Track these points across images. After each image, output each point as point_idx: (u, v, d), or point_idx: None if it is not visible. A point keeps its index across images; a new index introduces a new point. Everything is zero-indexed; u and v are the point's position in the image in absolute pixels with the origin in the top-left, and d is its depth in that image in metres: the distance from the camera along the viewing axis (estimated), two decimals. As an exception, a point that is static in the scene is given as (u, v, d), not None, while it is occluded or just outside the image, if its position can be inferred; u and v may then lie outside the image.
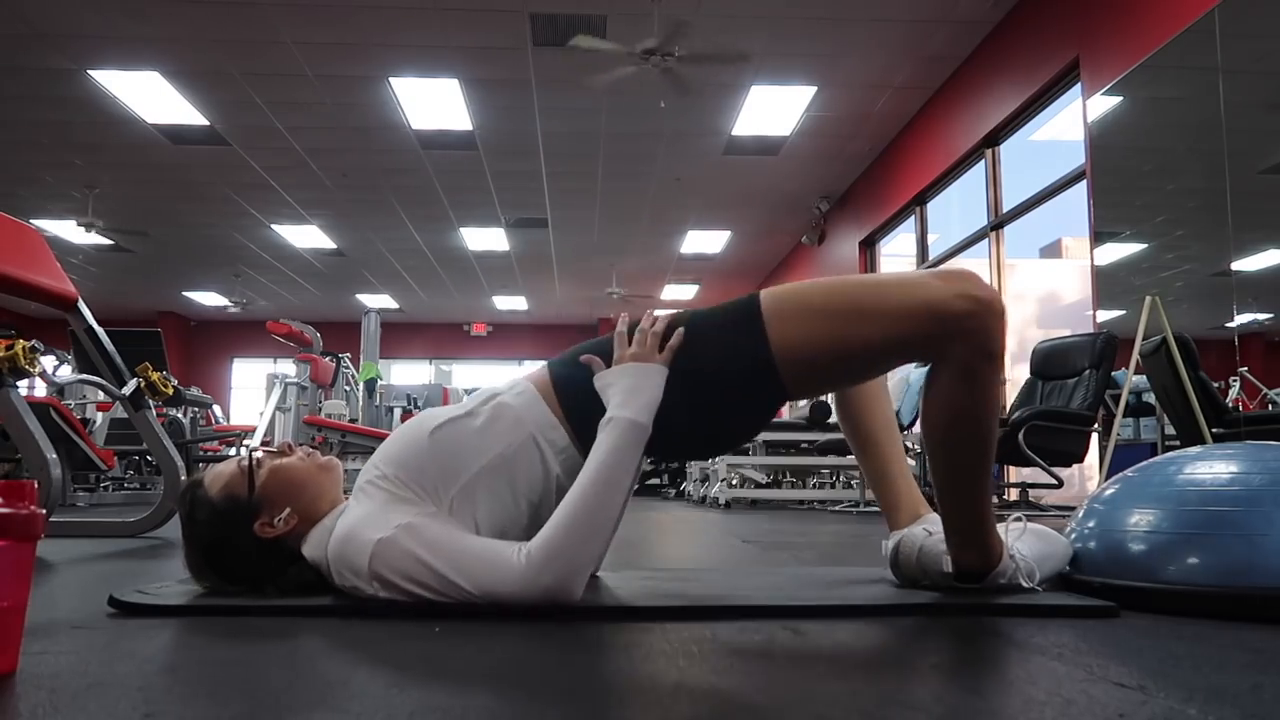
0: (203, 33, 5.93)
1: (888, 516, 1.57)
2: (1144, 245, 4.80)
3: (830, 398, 1.66)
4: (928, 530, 1.44)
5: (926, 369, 1.30)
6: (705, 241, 11.24)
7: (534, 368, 1.41)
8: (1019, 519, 1.42)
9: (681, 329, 1.32)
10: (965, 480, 1.30)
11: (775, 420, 6.92)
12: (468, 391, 12.83)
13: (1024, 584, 1.34)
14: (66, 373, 6.10)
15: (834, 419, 5.99)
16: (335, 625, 1.16)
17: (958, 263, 7.23)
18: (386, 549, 1.18)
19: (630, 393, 1.26)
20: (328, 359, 7.73)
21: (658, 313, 1.35)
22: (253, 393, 15.08)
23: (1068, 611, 1.25)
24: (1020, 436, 3.85)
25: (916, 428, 4.40)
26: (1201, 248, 4.53)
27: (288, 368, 8.12)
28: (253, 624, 1.16)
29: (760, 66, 6.47)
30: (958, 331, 1.21)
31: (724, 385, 1.29)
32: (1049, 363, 4.41)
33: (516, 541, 1.20)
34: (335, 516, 1.30)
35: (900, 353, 1.28)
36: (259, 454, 1.35)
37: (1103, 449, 4.15)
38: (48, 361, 6.33)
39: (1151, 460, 1.50)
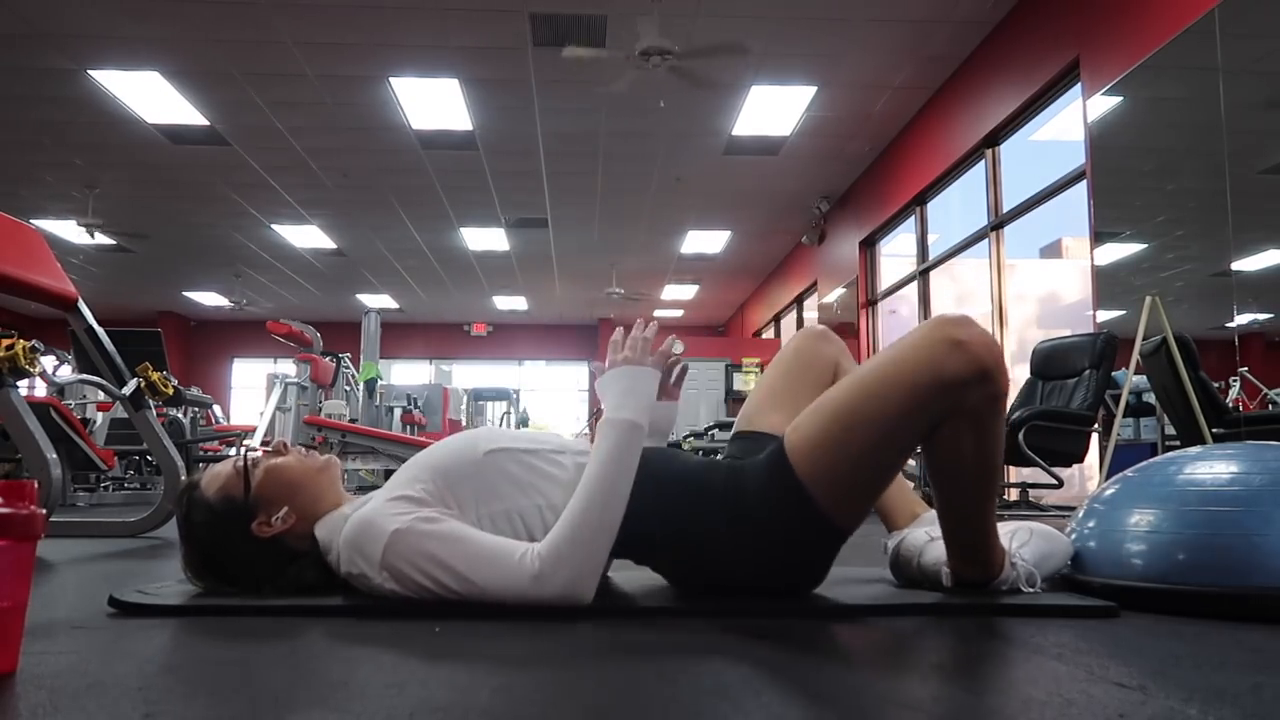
0: (203, 33, 5.93)
1: (884, 520, 1.57)
2: (1144, 245, 4.80)
3: None
4: (928, 533, 1.44)
5: None
6: (705, 241, 11.23)
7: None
8: (1025, 525, 1.43)
9: (674, 337, 1.36)
10: (969, 507, 1.30)
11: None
12: (467, 391, 12.84)
13: (1024, 589, 1.34)
14: (66, 373, 6.10)
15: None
16: (335, 625, 1.16)
17: (957, 263, 7.24)
18: (401, 540, 1.18)
19: (625, 394, 1.28)
20: (328, 359, 7.73)
21: (650, 327, 1.37)
22: (253, 393, 15.08)
23: (1068, 611, 1.25)
24: (1020, 436, 3.85)
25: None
26: (1201, 248, 4.53)
27: (288, 368, 8.12)
28: (253, 624, 1.16)
29: (760, 66, 6.47)
30: (966, 391, 1.20)
31: (776, 533, 1.28)
32: (1049, 363, 4.40)
33: (527, 543, 1.21)
34: (355, 505, 1.31)
35: (922, 431, 1.25)
36: (254, 454, 1.35)
37: (1103, 449, 4.14)
38: (48, 361, 6.33)
39: (1151, 460, 1.50)
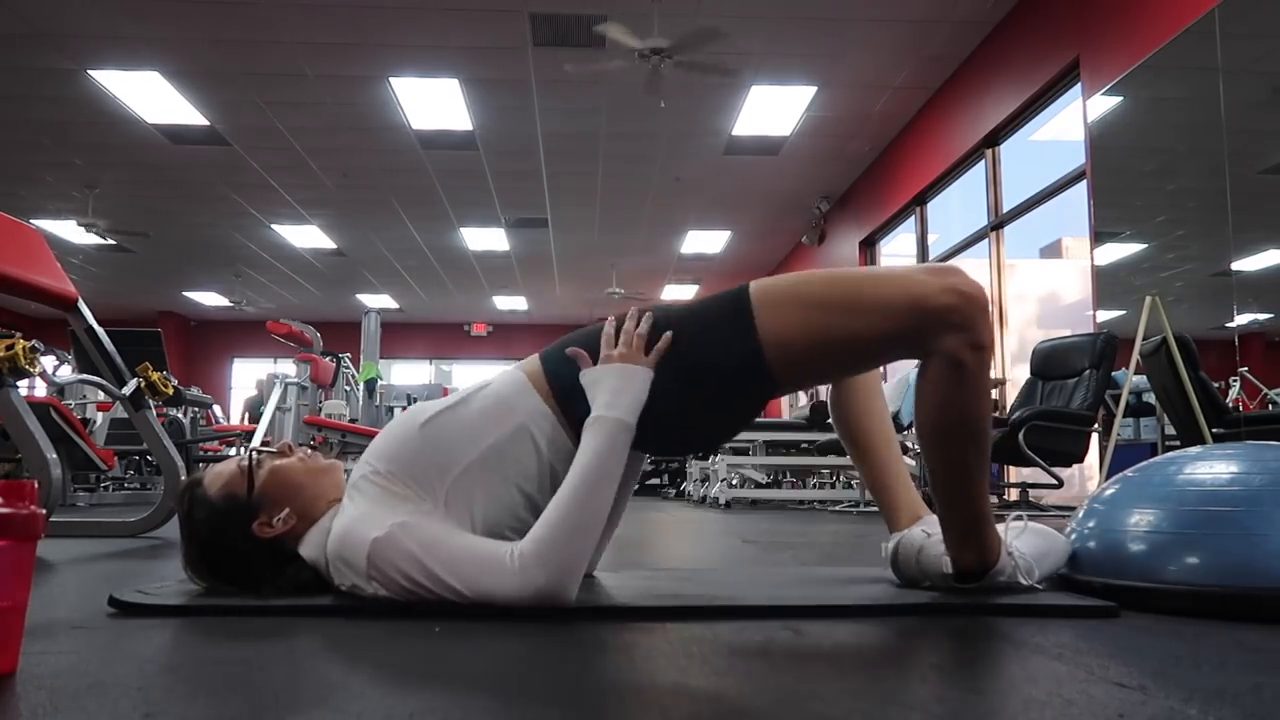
0: (203, 33, 5.93)
1: (887, 519, 1.57)
2: (1144, 245, 4.80)
3: (827, 401, 1.65)
4: (926, 532, 1.45)
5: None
6: (705, 241, 11.23)
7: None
8: (1019, 517, 1.42)
9: (669, 333, 1.31)
10: (960, 476, 1.30)
11: (775, 420, 6.93)
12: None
13: (1023, 581, 1.34)
14: (66, 373, 6.10)
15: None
16: (335, 625, 1.16)
17: (958, 263, 7.23)
18: (383, 547, 1.18)
19: (616, 393, 1.27)
20: (328, 359, 7.73)
21: (644, 321, 1.34)
22: (252, 393, 15.08)
23: (1068, 611, 1.25)
24: (1020, 436, 3.85)
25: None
26: (1201, 248, 4.53)
27: (288, 368, 8.12)
28: (252, 624, 1.17)
29: (760, 66, 6.47)
30: (943, 325, 1.22)
31: (714, 378, 1.29)
32: (1049, 363, 4.41)
33: (509, 542, 1.20)
34: (331, 517, 1.31)
35: (888, 346, 1.28)
36: (259, 454, 1.36)
37: (1103, 449, 4.15)
38: (48, 361, 6.33)
39: (1151, 460, 1.50)
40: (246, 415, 10.04)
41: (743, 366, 1.27)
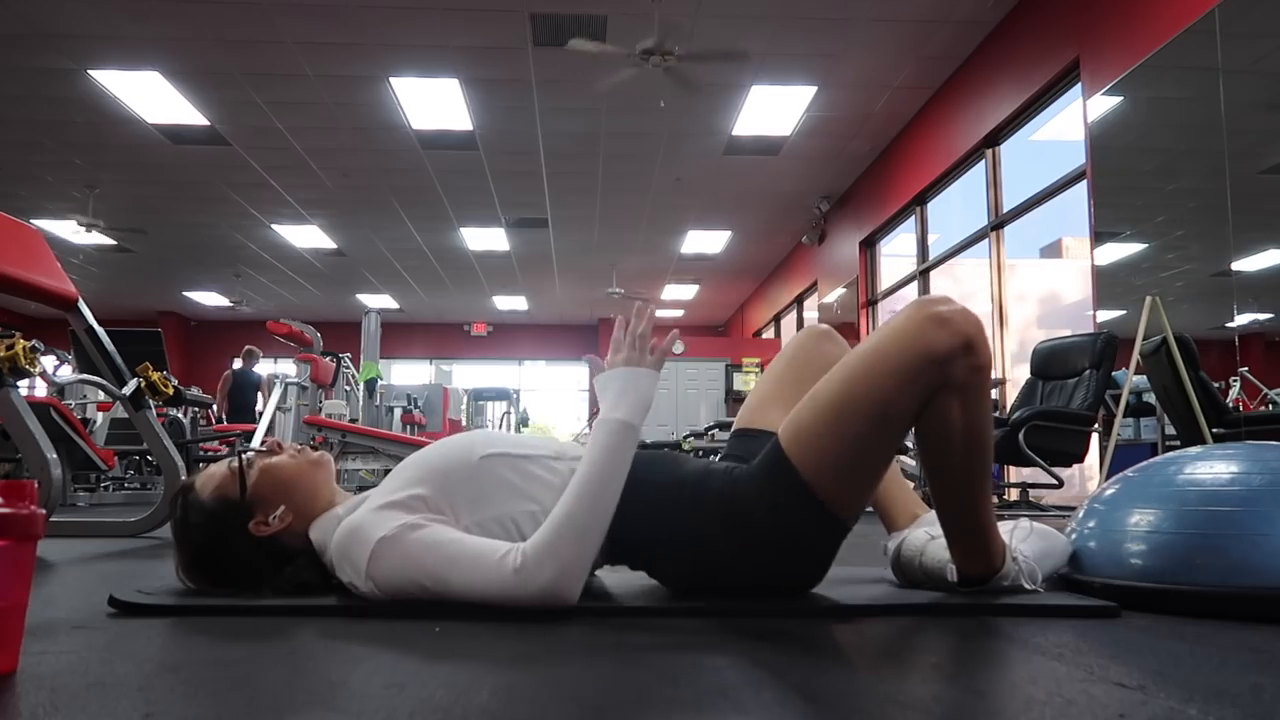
0: (203, 33, 5.93)
1: (884, 519, 1.57)
2: (1144, 245, 4.80)
3: None
4: (930, 534, 1.44)
5: None
6: (705, 241, 11.23)
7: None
8: (1025, 520, 1.43)
9: (676, 330, 1.34)
10: (963, 490, 1.30)
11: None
12: (467, 391, 12.84)
13: (1026, 586, 1.34)
14: (67, 373, 6.10)
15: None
16: (335, 625, 1.16)
17: (958, 263, 7.24)
18: (386, 548, 1.18)
19: (621, 394, 1.28)
20: (328, 359, 7.72)
21: (646, 321, 1.35)
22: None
23: (1068, 611, 1.25)
24: (1020, 436, 3.85)
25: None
26: (1201, 248, 4.53)
27: (288, 368, 8.12)
28: (253, 624, 1.17)
29: (760, 66, 6.47)
30: (951, 364, 1.21)
31: (785, 533, 1.29)
32: (1049, 363, 4.40)
33: (512, 543, 1.20)
34: (349, 508, 1.31)
35: (916, 406, 1.26)
36: (249, 454, 1.35)
37: (1103, 449, 4.14)
38: (48, 361, 6.33)
39: (1152, 460, 1.50)
40: (225, 403, 9.03)
41: (800, 511, 1.27)
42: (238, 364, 9.45)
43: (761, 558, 1.30)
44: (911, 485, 1.62)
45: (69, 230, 9.89)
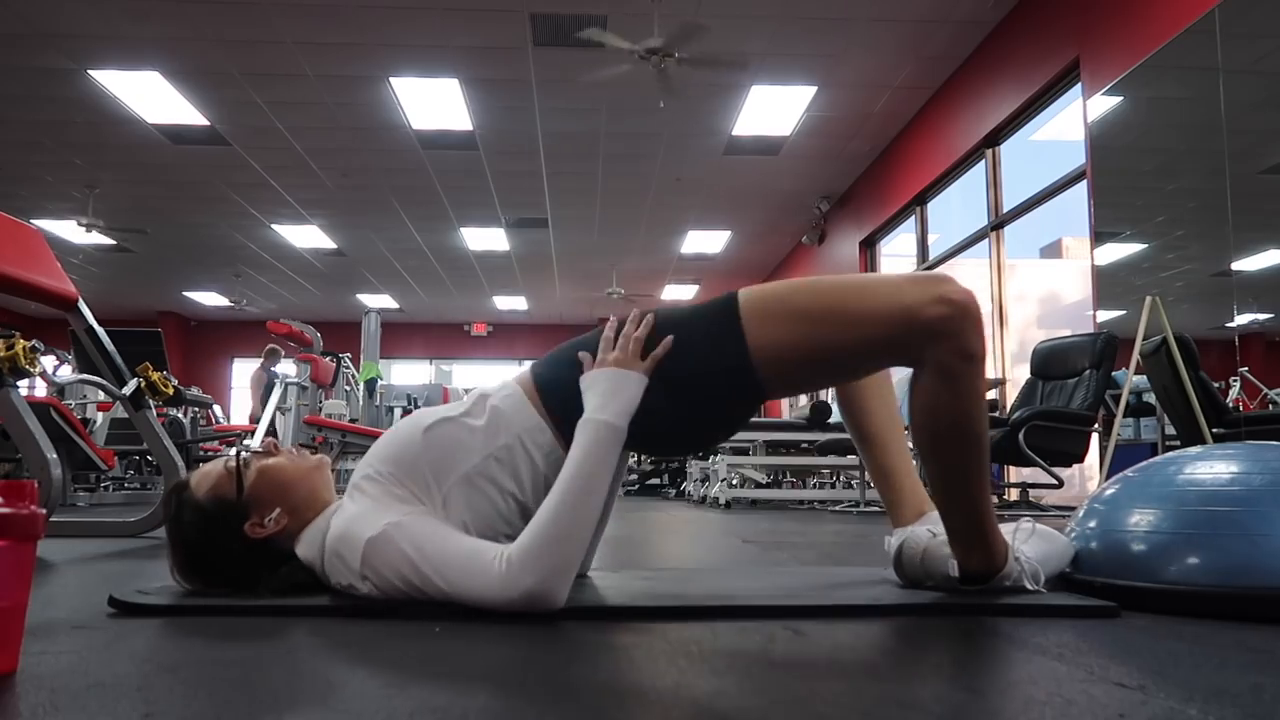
0: (203, 33, 5.93)
1: (890, 514, 1.57)
2: (1144, 245, 4.80)
3: (832, 394, 1.65)
4: (931, 531, 1.44)
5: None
6: (705, 241, 11.24)
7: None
8: (1027, 521, 1.42)
9: (670, 338, 1.31)
10: (959, 483, 1.30)
11: (775, 420, 6.93)
12: (467, 391, 12.83)
13: (1029, 586, 1.34)
14: (67, 373, 6.10)
15: (835, 419, 6.00)
16: (334, 625, 1.16)
17: (958, 263, 7.23)
18: (377, 547, 1.19)
19: (608, 396, 1.27)
20: (328, 359, 7.72)
21: (643, 326, 1.34)
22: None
23: (1069, 611, 1.25)
24: (1020, 436, 3.85)
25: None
26: (1201, 248, 4.53)
27: (288, 368, 8.11)
28: (253, 624, 1.16)
29: (760, 66, 6.47)
30: (932, 335, 1.21)
31: (703, 384, 1.30)
32: (1049, 363, 4.41)
33: (500, 545, 1.20)
34: (328, 517, 1.31)
35: (876, 356, 1.29)
36: (245, 454, 1.35)
37: (1103, 449, 4.15)
38: (48, 361, 6.33)
39: (1152, 460, 1.50)
40: (259, 404, 9.29)
41: (732, 375, 1.28)
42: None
43: (679, 399, 1.30)
44: (923, 484, 1.62)
45: (69, 230, 9.89)
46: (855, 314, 1.25)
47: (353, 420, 7.39)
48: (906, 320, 1.22)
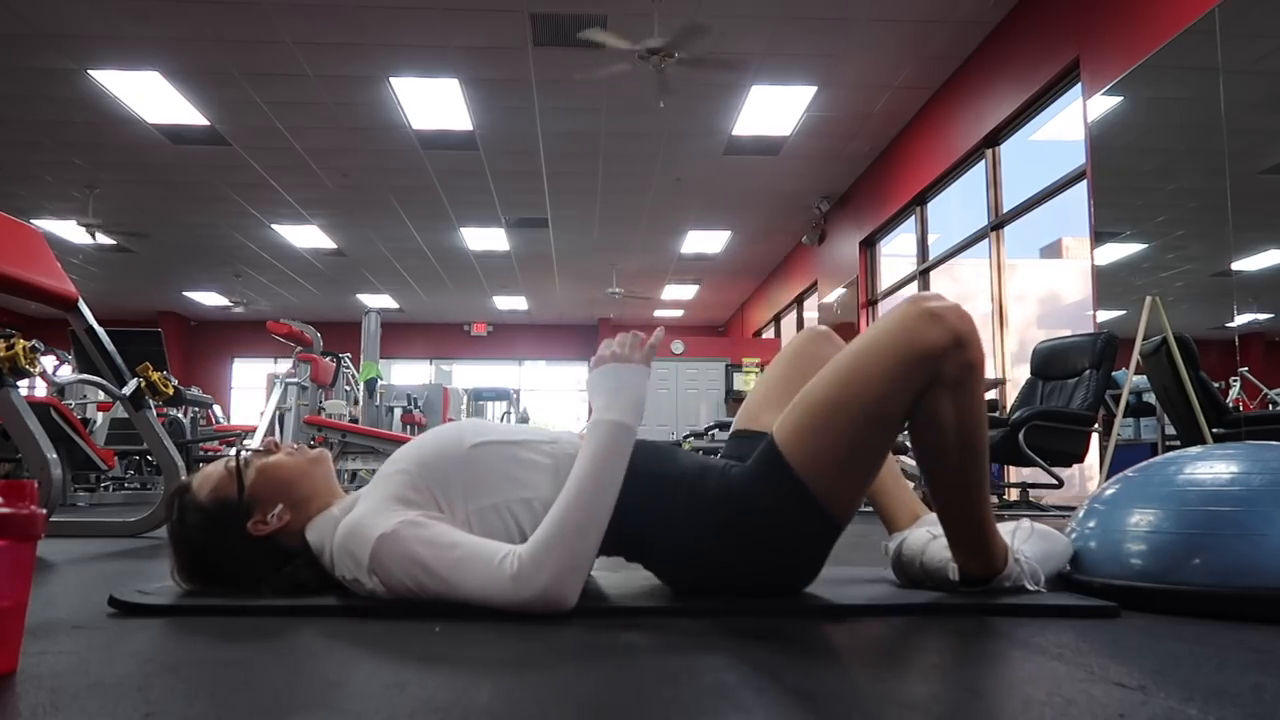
0: (203, 33, 5.93)
1: (885, 520, 1.57)
2: (1144, 245, 4.80)
3: None
4: (931, 533, 1.44)
5: None
6: (705, 241, 11.23)
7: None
8: (1027, 521, 1.42)
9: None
10: (963, 490, 1.30)
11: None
12: (467, 391, 12.84)
13: (1029, 587, 1.34)
14: (67, 373, 6.10)
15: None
16: (335, 625, 1.16)
17: (958, 263, 7.24)
18: (387, 545, 1.18)
19: (615, 394, 1.27)
20: (328, 359, 7.72)
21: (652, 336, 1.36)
22: (253, 393, 15.09)
23: (1068, 611, 1.25)
24: (1020, 436, 3.85)
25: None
26: (1201, 248, 4.53)
27: (288, 368, 8.12)
28: (253, 624, 1.16)
29: (760, 66, 6.47)
30: (942, 360, 1.21)
31: (774, 529, 1.29)
32: (1049, 363, 4.40)
33: (510, 545, 1.20)
34: (344, 507, 1.31)
35: (908, 404, 1.26)
36: (245, 454, 1.35)
37: (1103, 449, 4.14)
38: (48, 361, 6.33)
39: (1152, 460, 1.50)
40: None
41: (795, 509, 1.27)
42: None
43: (755, 556, 1.29)
44: (912, 486, 1.62)
45: (69, 230, 9.89)
46: (876, 378, 1.23)
47: (353, 420, 7.39)
48: (922, 361, 1.21)
